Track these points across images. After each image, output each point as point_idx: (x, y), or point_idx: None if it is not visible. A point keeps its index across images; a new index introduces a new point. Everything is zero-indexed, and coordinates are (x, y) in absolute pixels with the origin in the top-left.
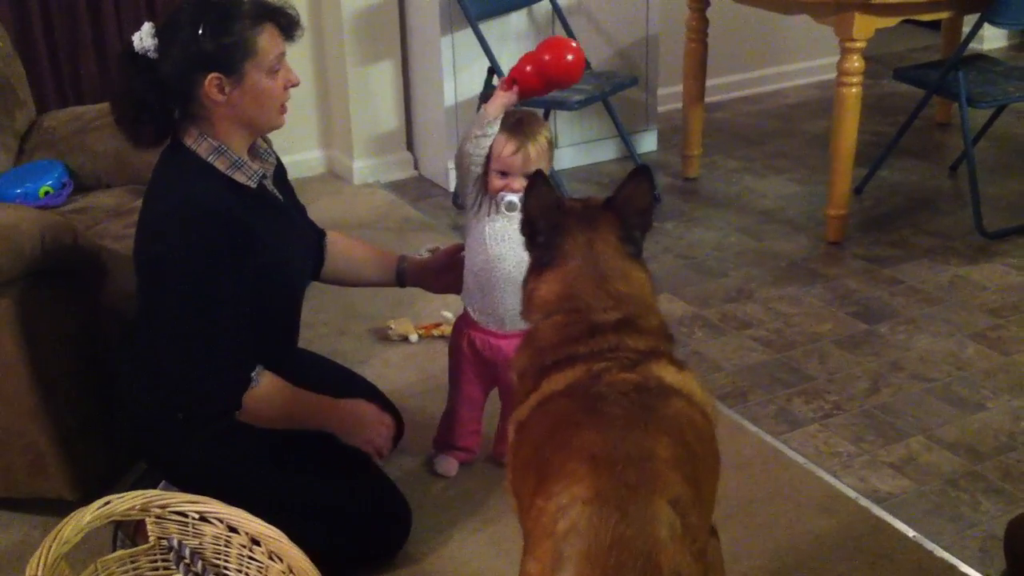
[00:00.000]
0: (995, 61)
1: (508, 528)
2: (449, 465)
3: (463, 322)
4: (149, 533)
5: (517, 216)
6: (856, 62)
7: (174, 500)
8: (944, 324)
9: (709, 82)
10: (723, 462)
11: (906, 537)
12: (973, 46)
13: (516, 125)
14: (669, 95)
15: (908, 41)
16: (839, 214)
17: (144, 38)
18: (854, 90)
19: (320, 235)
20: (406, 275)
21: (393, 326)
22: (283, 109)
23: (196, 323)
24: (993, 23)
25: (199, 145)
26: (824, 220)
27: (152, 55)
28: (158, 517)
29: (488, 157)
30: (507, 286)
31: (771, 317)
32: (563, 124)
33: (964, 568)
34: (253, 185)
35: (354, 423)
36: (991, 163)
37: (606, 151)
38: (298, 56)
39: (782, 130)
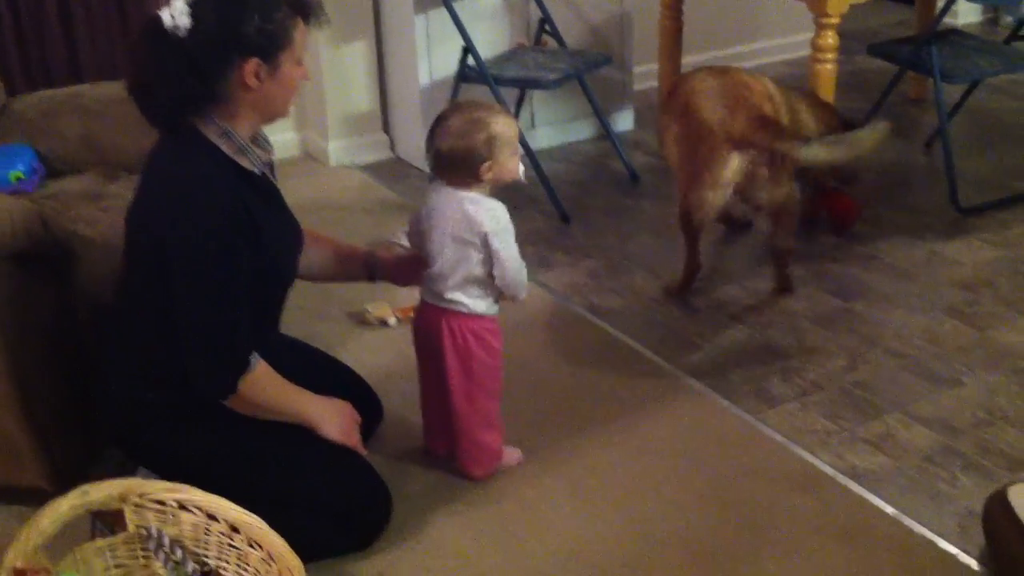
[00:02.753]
0: (968, 36)
1: (487, 512)
2: (516, 454)
3: (495, 325)
4: (128, 522)
5: None
6: (830, 38)
7: (152, 488)
8: (919, 300)
9: (684, 60)
10: (698, 440)
11: (884, 513)
12: (947, 21)
13: (495, 108)
14: (645, 73)
15: (882, 16)
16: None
17: (177, 16)
18: (828, 66)
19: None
20: (375, 270)
21: (371, 309)
22: (293, 101)
23: (207, 306)
24: None
25: (207, 127)
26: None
27: (182, 33)
28: (136, 506)
29: (494, 157)
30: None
31: (747, 295)
32: (539, 103)
33: (943, 544)
34: (257, 172)
35: (332, 416)
36: (966, 138)
37: (582, 130)
38: None
39: None
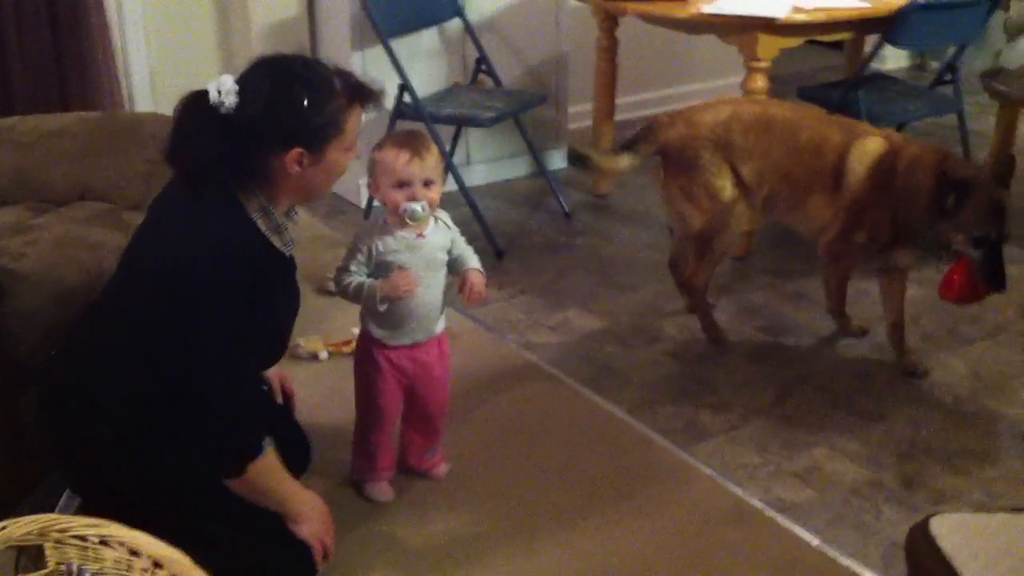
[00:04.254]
0: (895, 80)
1: (416, 546)
2: (386, 489)
3: (375, 348)
4: (48, 558)
5: (419, 225)
6: (761, 81)
7: (73, 524)
8: (847, 337)
9: (619, 100)
10: (631, 474)
11: (810, 545)
12: (875, 66)
13: (405, 138)
14: (580, 113)
15: (812, 61)
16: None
17: (225, 93)
18: None
19: None
20: None
21: (302, 343)
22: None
23: (238, 365)
24: (893, 44)
25: (248, 201)
26: None
27: (225, 111)
28: (57, 542)
29: (373, 182)
30: (424, 308)
31: (680, 331)
32: (475, 141)
33: (867, 575)
34: (287, 254)
35: (316, 516)
36: None
37: (518, 168)
38: (205, 72)
39: None
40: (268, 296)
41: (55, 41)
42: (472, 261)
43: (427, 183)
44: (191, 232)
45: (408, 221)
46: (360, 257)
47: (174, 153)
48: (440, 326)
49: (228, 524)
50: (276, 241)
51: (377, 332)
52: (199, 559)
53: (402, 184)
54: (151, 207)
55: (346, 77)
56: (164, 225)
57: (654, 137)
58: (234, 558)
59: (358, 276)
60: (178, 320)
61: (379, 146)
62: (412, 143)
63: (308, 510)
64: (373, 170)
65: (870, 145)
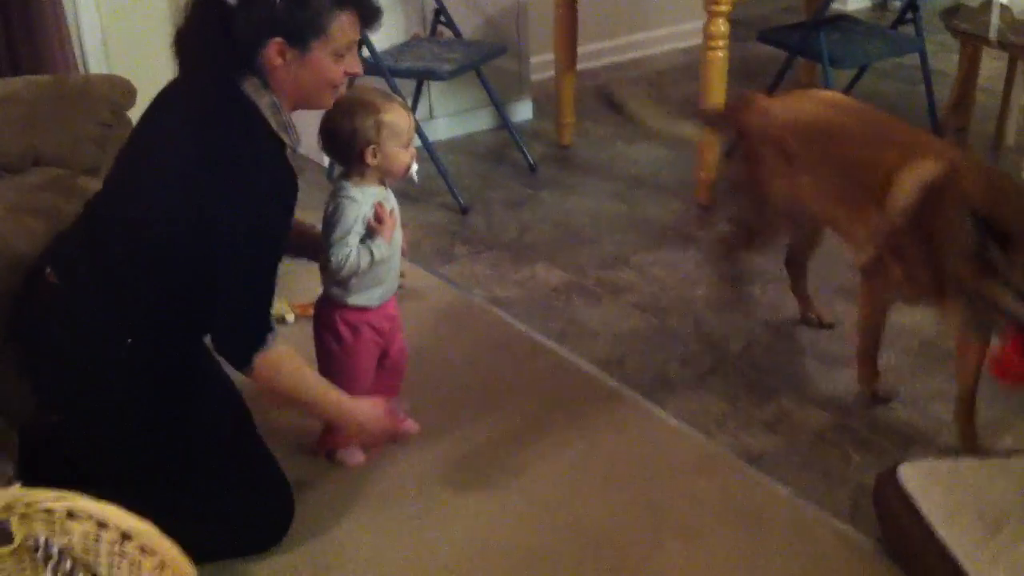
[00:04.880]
0: (856, 21)
1: (389, 508)
2: (356, 453)
3: (354, 317)
4: (15, 533)
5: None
6: (721, 26)
7: (39, 498)
8: (811, 281)
9: (580, 49)
10: (599, 427)
11: (779, 494)
12: (836, 7)
13: (393, 97)
14: (542, 63)
15: (772, 3)
16: (709, 177)
17: None
18: (720, 54)
19: None
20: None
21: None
22: (336, 91)
23: (244, 275)
24: None
25: (260, 97)
26: (695, 183)
27: (232, 2)
28: (23, 516)
29: (380, 144)
30: (396, 256)
31: (646, 282)
32: (436, 95)
33: (835, 522)
34: (295, 149)
35: (367, 416)
36: None
37: (481, 121)
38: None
39: (653, 96)
40: (282, 189)
41: (3, 5)
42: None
43: None
44: (202, 132)
45: (415, 180)
46: (358, 228)
47: (178, 38)
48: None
49: (195, 484)
50: (284, 138)
51: (361, 300)
52: (163, 526)
53: (409, 143)
54: (153, 106)
55: None
56: (169, 123)
57: (732, 117)
58: (198, 523)
59: (344, 248)
60: (198, 218)
61: (382, 110)
62: (403, 101)
63: (357, 408)
64: (380, 133)
65: (922, 170)
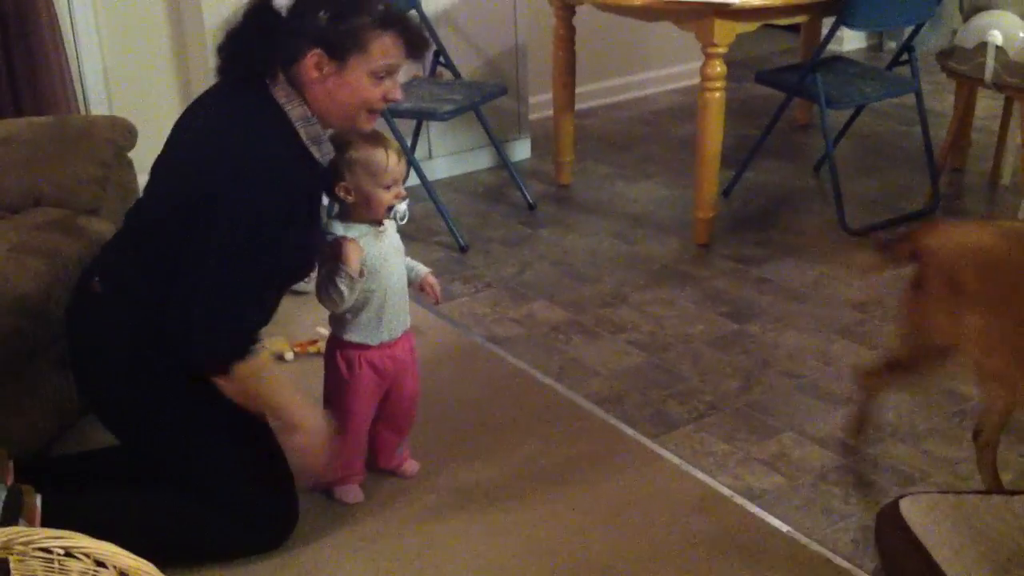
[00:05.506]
0: (852, 62)
1: (387, 546)
2: (356, 491)
3: (355, 354)
4: (12, 572)
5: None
6: (718, 67)
7: (37, 536)
8: (811, 320)
9: (579, 89)
10: (599, 465)
11: (780, 532)
12: (832, 48)
13: (376, 137)
14: (540, 103)
15: (769, 44)
16: (707, 216)
17: None
18: (717, 95)
19: None
20: None
21: (267, 344)
22: (374, 116)
23: (235, 272)
24: (849, 26)
25: (293, 108)
26: (693, 223)
27: (281, 11)
28: (21, 555)
29: (353, 182)
30: (396, 295)
31: (645, 320)
32: (436, 135)
33: (837, 560)
34: (323, 164)
35: (311, 429)
36: (852, 162)
37: (480, 160)
38: (160, 72)
39: (650, 135)
40: (300, 202)
41: (3, 44)
42: (419, 266)
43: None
44: (229, 136)
45: (396, 220)
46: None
47: (222, 45)
48: (409, 319)
49: (211, 479)
50: (315, 152)
51: (356, 336)
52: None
53: (392, 184)
54: (184, 113)
55: (388, 6)
56: (199, 126)
57: (912, 240)
58: (209, 518)
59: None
60: (200, 215)
61: (350, 146)
62: (390, 142)
63: (303, 419)
64: (352, 170)
65: None
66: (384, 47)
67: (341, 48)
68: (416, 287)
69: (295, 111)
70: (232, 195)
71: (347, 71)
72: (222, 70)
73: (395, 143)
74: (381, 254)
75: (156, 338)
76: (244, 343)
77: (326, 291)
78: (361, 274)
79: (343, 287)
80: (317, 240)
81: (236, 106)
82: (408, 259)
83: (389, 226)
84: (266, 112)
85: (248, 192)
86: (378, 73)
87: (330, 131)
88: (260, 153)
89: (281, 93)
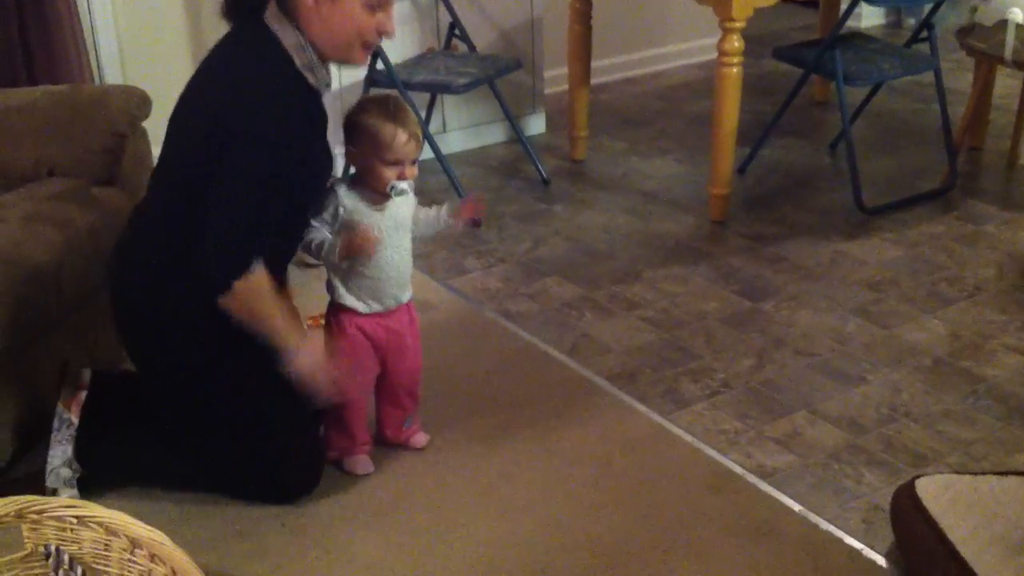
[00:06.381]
0: (871, 39)
1: (397, 520)
2: (365, 462)
3: (346, 318)
4: (25, 540)
5: (405, 200)
6: (736, 42)
7: (50, 505)
8: (825, 300)
9: (594, 64)
10: (611, 442)
11: (791, 511)
12: (850, 24)
13: (396, 112)
14: (556, 77)
15: (787, 20)
16: (722, 193)
17: None
18: (735, 70)
19: None
20: None
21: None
22: (368, 50)
23: (245, 195)
24: (868, 2)
25: (285, 34)
26: (708, 199)
27: None
28: (34, 523)
29: (358, 149)
30: (392, 269)
31: (658, 297)
32: (450, 108)
33: (848, 540)
34: (321, 90)
35: (308, 351)
36: (869, 140)
37: (494, 134)
38: (175, 43)
39: (666, 111)
40: (300, 124)
41: (18, 13)
42: (440, 210)
43: (414, 162)
44: (226, 65)
45: (394, 196)
46: (325, 215)
47: None
48: (408, 293)
49: (244, 426)
50: (310, 77)
51: (348, 300)
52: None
53: (397, 162)
54: (202, 63)
55: None
56: (203, 69)
57: None
58: (241, 463)
59: (320, 232)
60: (211, 154)
61: (364, 111)
62: (406, 120)
63: (288, 343)
64: (358, 137)
65: None
66: None
67: None
68: (455, 222)
69: (288, 39)
70: (235, 124)
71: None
72: (224, 8)
73: (413, 123)
74: (380, 229)
75: (181, 285)
76: (248, 260)
77: (312, 235)
78: (356, 250)
79: (340, 263)
80: (325, 160)
81: (234, 42)
82: (425, 210)
83: (397, 201)
84: (261, 43)
85: (249, 120)
86: (371, 3)
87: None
88: (256, 82)
89: (275, 22)
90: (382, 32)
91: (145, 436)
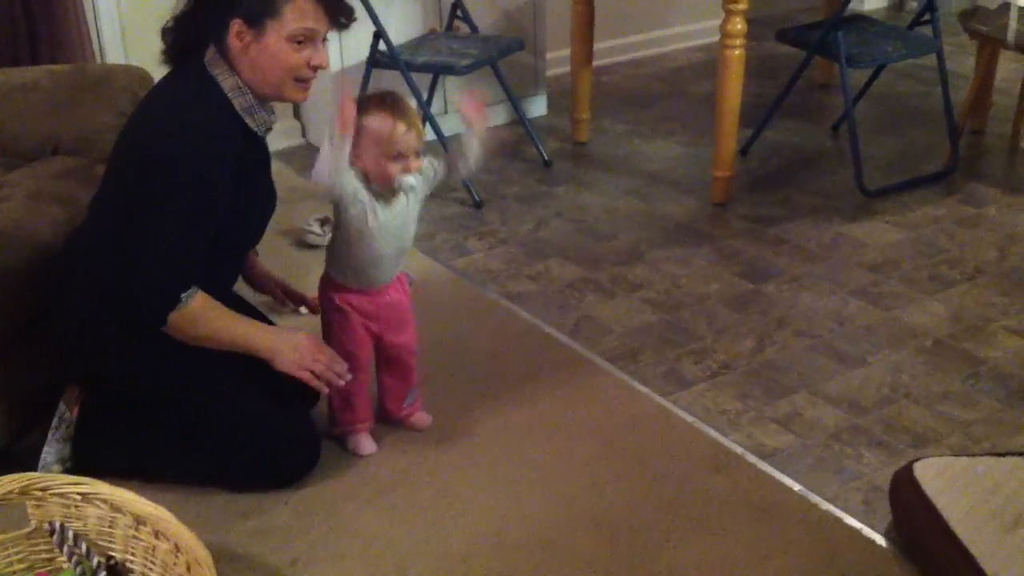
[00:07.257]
0: (874, 22)
1: (403, 497)
2: (368, 441)
3: (338, 295)
4: (30, 516)
5: (414, 196)
6: (739, 24)
7: (55, 482)
8: (827, 281)
9: (597, 45)
10: (612, 422)
11: (791, 491)
12: (853, 7)
13: (393, 105)
14: (558, 59)
15: (791, 2)
16: (724, 175)
17: None
18: (737, 52)
19: None
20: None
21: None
22: (303, 85)
23: (167, 229)
24: None
25: (225, 79)
26: (710, 181)
27: None
28: (39, 500)
29: (361, 149)
30: (388, 260)
31: (660, 278)
32: (452, 89)
33: (848, 520)
34: (260, 134)
35: (286, 350)
36: (871, 122)
37: (496, 116)
38: None
39: (669, 93)
40: (227, 166)
41: None
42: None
43: (418, 153)
44: (160, 103)
45: (404, 192)
46: (349, 175)
47: (166, 27)
48: (398, 271)
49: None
50: (249, 121)
51: (340, 277)
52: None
53: (399, 156)
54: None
55: None
56: (142, 104)
57: None
58: (235, 451)
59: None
60: (135, 188)
61: (363, 111)
62: (404, 111)
63: (280, 345)
64: (359, 136)
65: None
66: (298, 11)
67: (257, 14)
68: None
69: (227, 82)
70: (158, 155)
71: (265, 37)
72: (165, 53)
73: (411, 114)
74: (382, 223)
75: (127, 317)
76: (169, 294)
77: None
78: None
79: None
80: (266, 200)
81: (171, 82)
82: (435, 163)
83: (407, 198)
84: (199, 84)
85: (173, 152)
86: (296, 37)
87: (268, 103)
88: (187, 117)
89: (214, 67)
90: (314, 66)
91: (143, 433)
